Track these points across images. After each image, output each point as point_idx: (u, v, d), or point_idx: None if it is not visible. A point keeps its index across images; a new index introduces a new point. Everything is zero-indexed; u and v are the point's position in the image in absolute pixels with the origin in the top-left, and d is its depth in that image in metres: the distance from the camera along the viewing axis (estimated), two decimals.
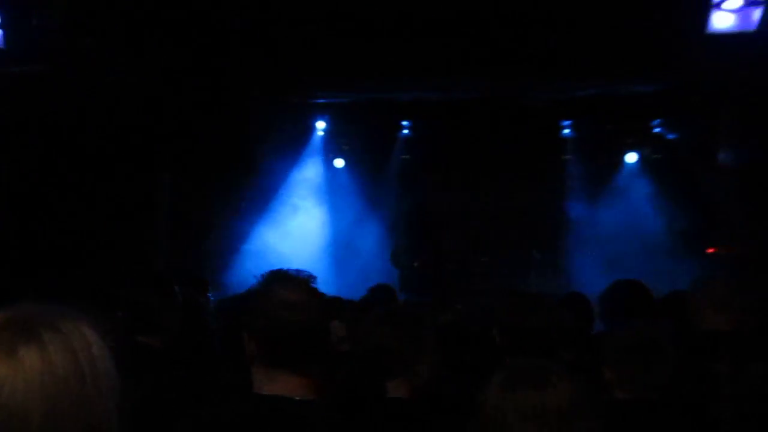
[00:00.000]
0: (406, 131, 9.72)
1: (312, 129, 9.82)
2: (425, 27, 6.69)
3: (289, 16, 6.67)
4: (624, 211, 9.46)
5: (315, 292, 1.96)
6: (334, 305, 3.84)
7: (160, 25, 6.37)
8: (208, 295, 5.87)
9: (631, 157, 9.69)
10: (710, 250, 8.78)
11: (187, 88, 7.47)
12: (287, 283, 1.93)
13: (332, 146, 10.04)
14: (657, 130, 9.40)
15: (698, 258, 8.50)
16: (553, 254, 9.41)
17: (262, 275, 1.98)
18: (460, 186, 9.88)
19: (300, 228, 9.52)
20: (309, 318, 1.89)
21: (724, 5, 6.34)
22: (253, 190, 9.22)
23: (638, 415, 2.45)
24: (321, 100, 9.31)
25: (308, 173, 9.98)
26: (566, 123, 9.41)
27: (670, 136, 9.34)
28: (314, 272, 2.04)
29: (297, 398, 1.87)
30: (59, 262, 6.18)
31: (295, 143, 9.77)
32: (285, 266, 2.02)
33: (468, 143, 9.56)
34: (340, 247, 9.56)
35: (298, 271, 1.98)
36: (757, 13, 6.32)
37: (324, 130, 9.85)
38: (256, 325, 1.91)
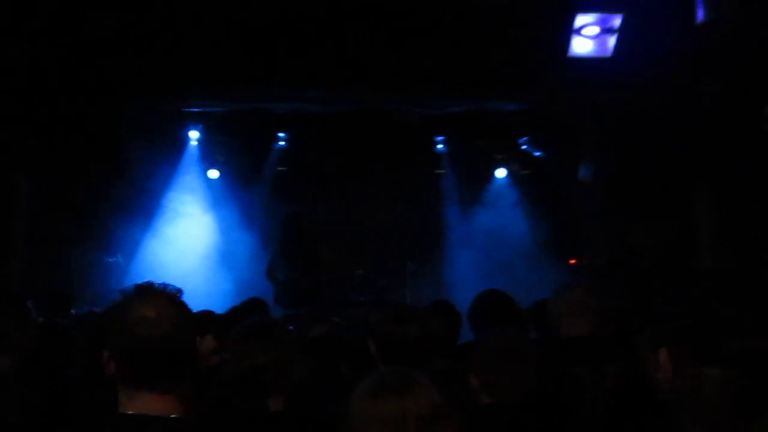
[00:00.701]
0: (282, 143, 9.64)
1: (186, 138, 9.55)
2: (302, 38, 6.69)
3: (162, 20, 6.48)
4: (494, 224, 9.83)
5: (179, 306, 1.89)
6: (203, 319, 3.74)
7: (29, 21, 6.02)
8: (72, 311, 5.57)
9: (501, 172, 10.11)
10: (572, 261, 9.28)
11: (54, 88, 7.06)
12: (148, 297, 1.86)
13: (207, 156, 9.80)
14: (524, 147, 9.86)
15: (561, 268, 8.98)
16: (428, 265, 9.62)
17: (124, 290, 1.90)
18: (335, 198, 9.92)
19: (174, 240, 9.21)
20: (169, 333, 1.81)
21: (583, 31, 6.78)
22: (123, 199, 8.83)
23: (501, 418, 2.55)
24: (194, 109, 9.08)
25: (182, 184, 9.68)
26: (439, 138, 9.69)
27: (536, 153, 9.83)
28: (189, 285, 1.98)
29: (162, 417, 1.80)
30: None
31: (169, 152, 9.45)
32: (157, 279, 1.96)
33: (344, 156, 9.64)
34: (216, 259, 9.33)
35: (164, 284, 1.91)
36: (612, 40, 6.81)
37: (198, 140, 9.60)
38: (115, 343, 1.83)
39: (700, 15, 5.99)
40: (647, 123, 7.91)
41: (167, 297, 1.89)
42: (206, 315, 3.91)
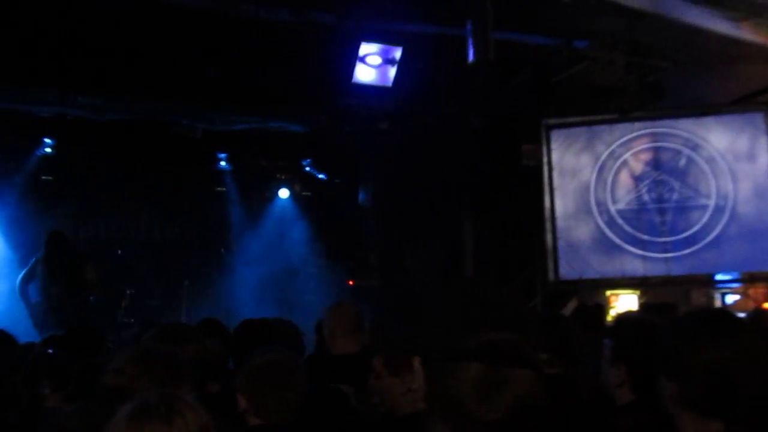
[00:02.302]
0: (47, 149, 8.80)
1: None
2: (72, 38, 6.23)
3: None
4: (276, 243, 9.82)
5: None
6: None
7: None
8: None
9: (283, 193, 10.14)
10: (351, 282, 9.53)
11: None
12: None
13: None
14: (307, 168, 9.98)
15: (341, 288, 9.18)
16: (206, 284, 9.33)
17: None
18: (106, 213, 9.29)
19: None
20: None
21: (367, 59, 7.04)
22: None
23: None
24: None
25: None
26: (221, 155, 9.49)
27: (319, 175, 10.00)
28: None
29: None
30: None
31: None
32: None
33: (118, 167, 9.05)
34: None
35: None
36: (392, 71, 7.13)
37: None
38: None
39: (471, 56, 6.47)
40: (421, 151, 8.39)
41: None
42: None
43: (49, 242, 7.46)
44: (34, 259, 7.47)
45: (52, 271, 7.33)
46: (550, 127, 8.24)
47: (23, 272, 7.44)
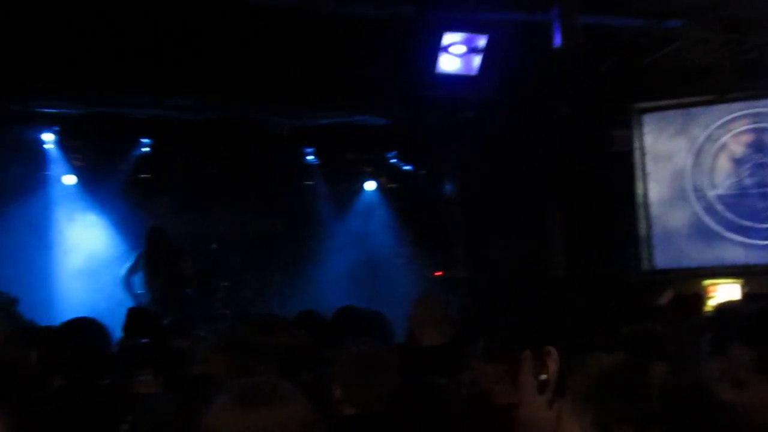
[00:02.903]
0: (145, 149, 9.22)
1: (38, 142, 8.93)
2: (165, 42, 6.47)
3: (12, 17, 6.05)
4: (363, 236, 9.93)
5: (10, 317, 1.73)
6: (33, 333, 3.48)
7: None
8: None
9: (370, 185, 10.22)
10: (437, 273, 9.53)
11: None
12: None
13: (63, 161, 9.21)
14: (393, 160, 10.03)
15: (427, 280, 9.19)
16: (295, 277, 9.54)
17: None
18: (200, 209, 9.64)
19: (29, 251, 8.59)
20: None
21: (450, 49, 6.99)
22: None
23: (364, 429, 2.54)
24: (48, 110, 8.51)
25: (35, 189, 9.06)
26: (309, 150, 9.65)
27: (404, 167, 10.02)
28: (37, 298, 1.81)
29: None
30: None
31: (18, 157, 8.80)
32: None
33: (210, 165, 9.38)
34: (76, 269, 8.80)
35: None
36: (477, 60, 7.06)
37: (53, 144, 9.01)
38: None
39: (557, 40, 6.33)
40: (507, 140, 8.27)
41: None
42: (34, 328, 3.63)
43: (148, 237, 7.82)
44: (136, 254, 7.85)
45: (152, 264, 7.69)
46: (642, 112, 7.98)
47: (127, 266, 7.83)
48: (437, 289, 8.54)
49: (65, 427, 2.44)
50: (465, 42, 6.94)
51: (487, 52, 6.97)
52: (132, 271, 7.78)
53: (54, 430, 1.75)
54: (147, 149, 9.22)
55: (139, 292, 7.67)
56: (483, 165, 8.61)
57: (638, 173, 7.91)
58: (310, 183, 10.07)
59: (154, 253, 7.65)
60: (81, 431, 2.51)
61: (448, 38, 6.89)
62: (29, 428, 1.72)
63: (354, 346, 2.62)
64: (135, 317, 4.74)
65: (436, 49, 6.90)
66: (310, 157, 9.72)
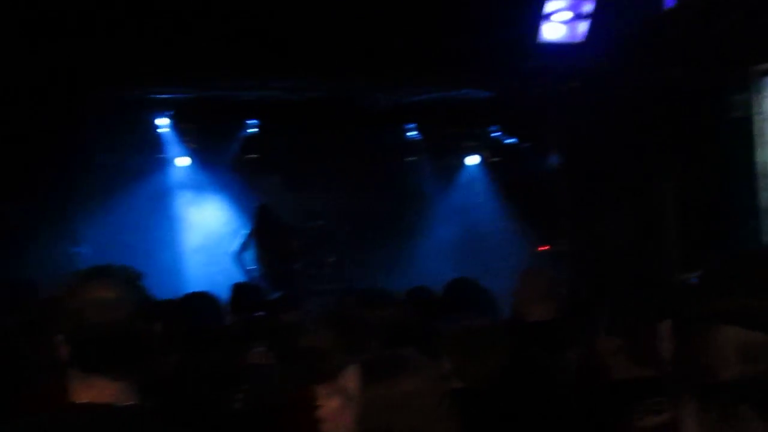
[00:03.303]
0: (252, 130, 9.54)
1: (153, 126, 9.41)
2: (267, 25, 6.61)
3: (126, 7, 6.36)
4: (465, 211, 9.88)
5: (137, 290, 1.81)
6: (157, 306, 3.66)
7: None
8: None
9: (472, 160, 10.12)
10: (542, 248, 9.35)
11: (16, 74, 6.90)
12: (102, 279, 1.77)
13: (176, 144, 9.68)
14: (495, 134, 9.88)
15: (532, 255, 9.04)
16: (399, 253, 9.63)
17: (79, 271, 1.81)
18: (307, 186, 9.89)
19: (145, 229, 9.11)
20: (123, 318, 1.74)
21: (554, 17, 6.79)
22: (89, 188, 8.68)
23: (473, 403, 2.54)
24: (161, 95, 8.94)
25: (152, 172, 9.58)
26: (409, 126, 9.66)
27: (507, 140, 9.85)
28: (161, 271, 1.91)
29: (116, 405, 1.74)
30: None
31: (137, 139, 9.32)
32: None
33: (314, 144, 9.59)
34: (193, 245, 9.28)
35: (123, 266, 1.83)
36: (584, 26, 6.83)
37: (167, 127, 9.47)
38: (65, 326, 1.76)
39: (668, 1, 6.02)
40: (616, 109, 7.96)
41: (125, 279, 1.81)
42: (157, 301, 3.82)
43: (257, 215, 8.09)
44: (246, 231, 8.16)
45: (261, 241, 7.96)
46: (763, 74, 7.46)
47: (238, 243, 8.15)
48: (542, 263, 8.38)
49: (184, 398, 2.57)
50: (571, 7, 6.72)
51: (594, 18, 6.72)
52: (243, 248, 8.10)
53: (173, 400, 1.86)
54: (254, 130, 9.53)
55: (250, 267, 7.98)
56: (590, 136, 8.33)
57: (758, 140, 7.42)
58: (413, 159, 10.09)
59: (262, 230, 7.93)
60: (199, 401, 2.64)
61: (551, 5, 6.70)
62: (150, 398, 1.82)
63: (464, 320, 2.62)
64: (239, 293, 4.96)
65: (538, 17, 6.72)
66: (411, 133, 9.73)
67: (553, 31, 6.82)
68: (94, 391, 1.75)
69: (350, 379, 1.78)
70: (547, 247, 9.35)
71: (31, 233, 7.80)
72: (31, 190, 7.62)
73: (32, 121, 7.30)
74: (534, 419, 2.80)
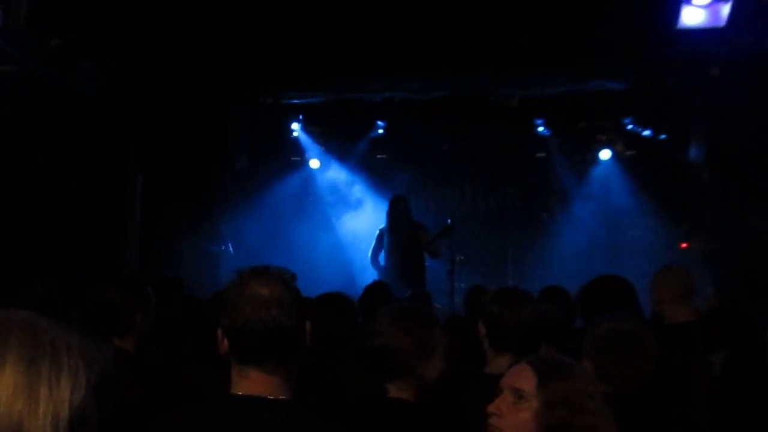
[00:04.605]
0: (380, 131, 9.70)
1: (287, 131, 9.77)
2: (394, 27, 6.68)
3: (260, 18, 6.63)
4: (599, 207, 9.54)
5: (292, 290, 1.91)
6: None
7: (132, 28, 6.29)
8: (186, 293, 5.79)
9: (605, 154, 9.76)
10: (684, 245, 8.88)
11: (161, 91, 7.39)
12: (262, 278, 1.89)
13: (308, 147, 10.02)
14: (629, 126, 9.47)
15: (673, 252, 8.60)
16: (530, 249, 9.46)
17: (241, 270, 1.93)
18: (435, 184, 9.92)
19: (283, 230, 9.51)
20: (278, 315, 1.84)
21: (694, 1, 6.41)
22: (230, 191, 9.16)
23: (619, 409, 2.44)
24: (294, 101, 9.27)
25: (285, 174, 9.98)
26: (539, 121, 9.44)
27: (643, 133, 9.42)
28: (300, 271, 2.02)
29: (271, 398, 1.84)
30: (30, 262, 6.06)
31: (270, 145, 9.73)
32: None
33: (442, 142, 9.62)
34: (323, 247, 9.58)
35: (279, 268, 1.94)
36: (726, 9, 6.40)
37: (299, 132, 9.81)
38: (226, 320, 1.88)
39: None
40: (762, 97, 7.42)
41: (281, 280, 1.91)
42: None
43: (392, 206, 8.16)
44: (378, 230, 8.30)
45: (393, 237, 8.03)
46: None
47: (373, 243, 8.27)
48: (685, 261, 7.95)
49: (318, 395, 2.65)
50: None
51: (737, 0, 6.29)
52: (377, 245, 8.22)
53: (306, 398, 1.96)
54: (382, 131, 9.68)
55: (383, 265, 8.08)
56: (734, 125, 7.81)
57: None
58: (543, 155, 9.87)
59: (394, 225, 7.99)
60: (331, 401, 2.71)
61: None
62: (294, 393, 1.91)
63: (610, 321, 2.52)
64: (370, 292, 5.08)
65: (677, 1, 6.37)
66: (541, 128, 9.52)
67: (692, 15, 6.44)
68: (248, 383, 1.86)
69: (523, 378, 1.80)
70: (687, 245, 8.87)
71: (180, 234, 8.33)
72: (180, 193, 8.13)
73: (179, 126, 7.78)
74: (679, 427, 2.66)
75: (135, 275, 6.27)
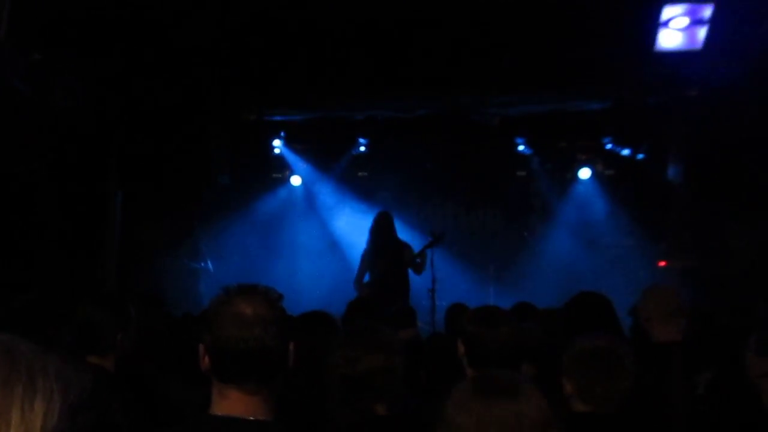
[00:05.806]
0: (362, 148, 9.71)
1: (268, 147, 9.76)
2: (376, 47, 6.72)
3: (241, 36, 6.65)
4: (579, 226, 9.61)
5: (276, 310, 1.87)
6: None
7: (113, 44, 6.28)
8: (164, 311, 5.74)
9: (585, 173, 9.85)
10: (662, 263, 8.96)
11: (143, 107, 7.37)
12: (247, 296, 1.85)
13: (289, 164, 10.01)
14: (609, 146, 9.58)
15: (650, 271, 8.67)
16: (511, 267, 9.49)
17: (227, 287, 1.89)
18: (416, 203, 9.94)
19: (264, 247, 9.47)
20: (261, 334, 1.80)
21: (671, 24, 6.52)
22: (210, 208, 9.12)
23: (596, 428, 2.45)
24: (276, 118, 9.28)
25: (268, 190, 9.96)
26: (520, 140, 9.52)
27: (623, 152, 9.53)
28: (283, 288, 1.98)
29: (251, 419, 1.80)
30: (7, 277, 5.98)
31: (252, 162, 9.72)
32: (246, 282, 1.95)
33: (424, 160, 9.65)
34: (304, 264, 9.55)
35: (266, 287, 1.89)
36: (702, 32, 6.52)
37: (280, 148, 9.80)
38: (209, 337, 1.84)
39: None
40: (738, 119, 7.55)
41: (267, 299, 1.87)
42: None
43: (376, 223, 8.10)
44: (362, 253, 8.22)
45: (377, 253, 7.97)
46: None
47: (359, 266, 8.14)
48: (662, 279, 8.02)
49: (301, 416, 2.63)
50: (688, 14, 6.43)
51: (713, 23, 6.41)
52: (362, 270, 8.02)
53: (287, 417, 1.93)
54: (364, 148, 9.70)
55: (365, 281, 7.99)
56: (712, 145, 7.94)
57: None
58: (523, 173, 9.94)
59: (378, 241, 7.90)
60: (315, 422, 2.69)
61: (668, 12, 6.44)
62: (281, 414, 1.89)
63: (588, 340, 2.52)
64: (353, 310, 5.02)
65: (655, 24, 6.47)
66: (522, 147, 9.59)
67: (670, 38, 6.55)
68: (228, 402, 1.82)
69: (463, 395, 1.70)
70: (665, 263, 8.95)
71: (160, 251, 8.27)
72: (160, 209, 8.08)
73: (161, 143, 7.75)
74: None
75: (116, 293, 6.20)
